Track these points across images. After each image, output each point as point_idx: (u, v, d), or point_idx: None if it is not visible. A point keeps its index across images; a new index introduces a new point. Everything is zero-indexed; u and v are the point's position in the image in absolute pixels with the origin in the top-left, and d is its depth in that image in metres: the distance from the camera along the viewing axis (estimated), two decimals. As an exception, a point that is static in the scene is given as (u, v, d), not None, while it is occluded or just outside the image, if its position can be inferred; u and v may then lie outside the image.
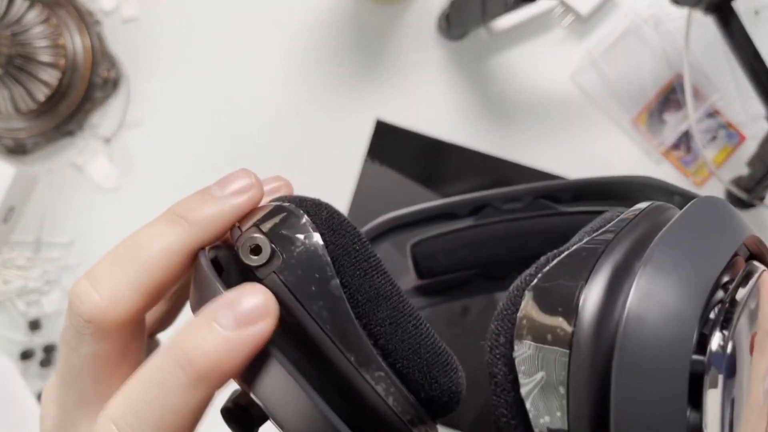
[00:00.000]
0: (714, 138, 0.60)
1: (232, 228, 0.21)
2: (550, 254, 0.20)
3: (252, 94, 0.61)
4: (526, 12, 0.57)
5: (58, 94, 0.57)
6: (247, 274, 0.19)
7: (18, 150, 0.59)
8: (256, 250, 0.19)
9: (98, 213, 0.60)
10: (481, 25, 0.58)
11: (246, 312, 0.18)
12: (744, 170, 0.56)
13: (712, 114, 0.60)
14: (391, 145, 0.58)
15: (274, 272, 0.19)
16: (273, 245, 0.19)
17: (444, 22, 0.59)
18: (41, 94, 0.56)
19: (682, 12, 0.54)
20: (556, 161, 0.59)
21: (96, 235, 0.60)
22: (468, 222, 0.34)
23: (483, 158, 0.57)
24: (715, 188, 0.60)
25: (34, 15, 0.56)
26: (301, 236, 0.19)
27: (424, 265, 0.35)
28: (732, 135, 0.60)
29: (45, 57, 0.56)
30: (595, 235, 0.20)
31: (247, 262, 0.19)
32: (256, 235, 0.19)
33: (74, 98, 0.58)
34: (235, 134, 0.60)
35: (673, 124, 0.60)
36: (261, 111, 0.60)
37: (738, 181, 0.58)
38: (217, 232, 0.21)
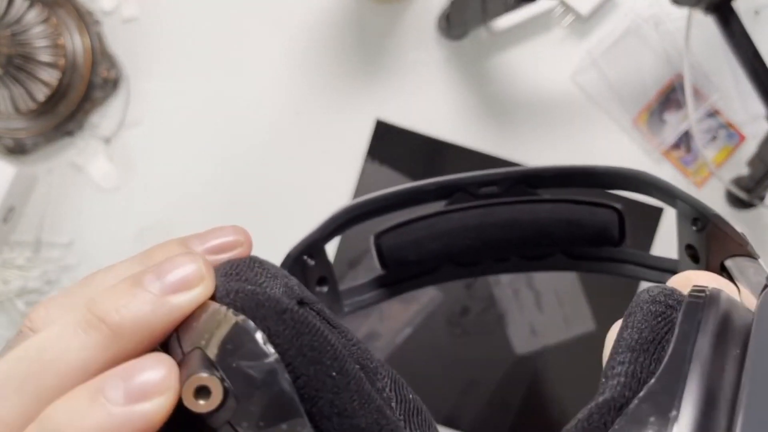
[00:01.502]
0: (714, 138, 0.60)
1: (169, 337, 0.16)
2: (602, 403, 0.16)
3: (252, 93, 0.61)
4: (526, 12, 0.57)
5: (57, 94, 0.57)
6: (192, 419, 0.15)
7: (18, 150, 0.59)
8: (202, 390, 0.15)
9: (98, 213, 0.60)
10: (481, 25, 0.58)
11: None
12: (744, 170, 0.56)
13: (713, 114, 0.60)
14: (391, 145, 0.58)
15: (229, 422, 0.14)
16: (225, 383, 0.15)
17: (444, 22, 0.59)
18: (41, 94, 0.56)
19: (683, 12, 0.54)
20: (556, 161, 0.59)
21: (96, 235, 0.60)
22: (438, 207, 0.31)
23: (483, 158, 0.57)
24: (715, 188, 0.60)
25: (34, 15, 0.56)
26: (262, 374, 0.15)
27: (390, 257, 0.32)
28: (732, 135, 0.60)
29: (45, 57, 0.56)
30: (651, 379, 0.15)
31: (191, 408, 0.15)
32: (202, 373, 0.15)
33: (74, 98, 0.58)
34: (235, 134, 0.60)
35: (674, 124, 0.60)
36: (261, 110, 0.60)
37: (738, 181, 0.58)
38: (146, 343, 0.16)
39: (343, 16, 0.61)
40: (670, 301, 0.17)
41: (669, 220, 0.58)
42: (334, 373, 0.16)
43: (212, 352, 0.15)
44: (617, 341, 0.17)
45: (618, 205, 0.30)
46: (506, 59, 0.61)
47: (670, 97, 0.60)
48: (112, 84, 0.59)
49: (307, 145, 0.60)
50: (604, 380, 0.16)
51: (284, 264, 0.30)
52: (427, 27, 0.61)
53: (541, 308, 0.54)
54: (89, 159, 0.60)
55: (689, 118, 0.56)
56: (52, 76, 0.56)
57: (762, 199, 0.56)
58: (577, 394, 0.55)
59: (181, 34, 0.61)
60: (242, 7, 0.61)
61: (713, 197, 0.60)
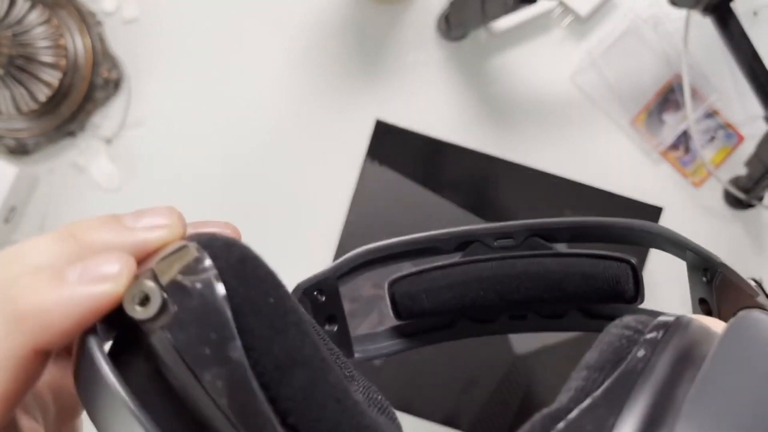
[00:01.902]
0: (712, 138, 0.60)
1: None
2: (546, 414, 0.16)
3: (252, 94, 0.61)
4: (525, 13, 0.58)
5: (59, 95, 0.57)
6: (134, 329, 0.16)
7: (19, 150, 0.59)
8: (144, 300, 0.16)
9: (99, 213, 0.60)
10: (480, 26, 0.58)
11: (95, 272, 0.16)
12: (742, 170, 0.56)
13: (711, 114, 0.60)
14: (391, 145, 0.58)
15: (162, 328, 0.15)
16: (165, 295, 0.16)
17: (443, 23, 0.59)
18: (42, 94, 0.56)
19: (681, 13, 0.54)
20: (555, 161, 0.59)
21: (97, 234, 0.60)
22: (454, 258, 0.31)
23: (483, 158, 0.57)
24: (713, 188, 0.60)
25: (35, 16, 0.57)
26: (199, 285, 0.16)
27: (404, 305, 0.32)
28: (730, 135, 0.60)
29: (46, 57, 0.57)
30: (605, 386, 0.15)
31: (130, 314, 0.16)
32: (146, 281, 0.16)
33: (75, 98, 0.58)
34: (236, 134, 0.61)
35: (672, 125, 0.60)
36: (261, 111, 0.61)
37: (736, 182, 0.58)
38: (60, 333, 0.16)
39: (343, 17, 0.61)
40: (639, 326, 0.17)
41: (669, 219, 0.58)
42: (271, 300, 0.17)
43: (160, 268, 0.16)
44: (581, 361, 0.17)
45: (632, 259, 0.30)
46: (506, 60, 0.61)
47: (668, 98, 0.60)
48: (113, 84, 0.60)
49: (307, 145, 0.60)
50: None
51: (293, 293, 0.29)
52: (426, 28, 0.61)
53: (540, 308, 0.55)
54: (90, 159, 0.60)
55: (688, 118, 0.56)
56: (53, 77, 0.57)
57: (760, 199, 0.57)
58: (577, 394, 0.55)
59: (182, 35, 0.61)
60: (242, 7, 0.61)
61: (711, 197, 0.60)
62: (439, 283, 0.31)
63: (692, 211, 0.60)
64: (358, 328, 0.55)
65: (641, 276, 0.30)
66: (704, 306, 0.27)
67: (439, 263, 0.31)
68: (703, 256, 0.26)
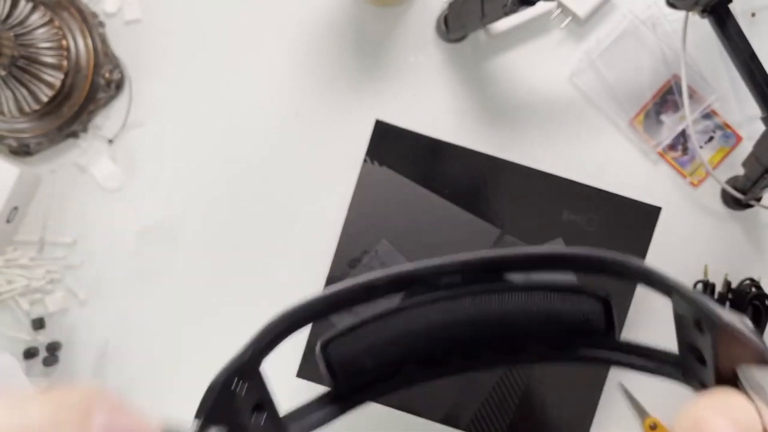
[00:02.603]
0: (711, 139, 0.60)
1: None
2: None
3: (253, 94, 0.61)
4: (524, 14, 0.58)
5: (61, 96, 0.57)
6: None
7: (21, 151, 0.60)
8: None
9: (101, 213, 0.60)
10: (480, 28, 0.59)
11: None
12: (740, 171, 0.56)
13: (709, 115, 0.60)
14: (391, 145, 0.58)
15: None
16: None
17: (443, 25, 0.59)
18: (44, 95, 0.57)
19: (680, 14, 0.54)
20: (554, 161, 0.59)
21: (99, 235, 0.60)
22: (395, 302, 0.26)
23: (482, 158, 0.58)
24: (711, 189, 0.60)
25: (37, 17, 0.57)
26: None
27: (341, 369, 0.27)
28: (728, 136, 0.60)
29: (48, 58, 0.57)
30: None
31: None
32: None
33: (77, 99, 0.58)
34: (237, 135, 0.61)
35: (671, 125, 0.60)
36: (261, 111, 0.61)
37: (734, 182, 0.58)
38: None
39: (343, 19, 0.61)
40: None
41: (667, 219, 0.58)
42: None
43: None
44: None
45: (603, 294, 0.26)
46: (505, 61, 0.61)
47: (667, 98, 0.60)
48: (115, 85, 0.60)
49: (307, 145, 0.61)
50: None
51: (206, 399, 0.24)
52: (426, 30, 0.61)
53: (539, 307, 0.55)
54: (92, 160, 0.60)
55: (686, 118, 0.56)
56: (55, 78, 0.57)
57: (758, 199, 0.57)
58: (576, 394, 0.55)
59: (184, 36, 0.61)
60: (243, 8, 0.62)
61: (709, 198, 0.61)
62: (383, 338, 0.27)
63: (690, 211, 0.60)
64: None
65: (614, 311, 0.26)
66: (695, 353, 0.23)
67: (379, 311, 0.27)
68: (695, 306, 0.21)
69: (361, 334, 0.27)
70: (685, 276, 0.60)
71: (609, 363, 0.27)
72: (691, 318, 0.22)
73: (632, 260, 0.23)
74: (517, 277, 0.25)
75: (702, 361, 0.22)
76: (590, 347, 0.27)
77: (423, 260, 0.25)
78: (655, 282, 0.23)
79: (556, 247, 0.25)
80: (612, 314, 0.26)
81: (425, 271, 0.25)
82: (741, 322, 0.20)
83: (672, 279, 0.22)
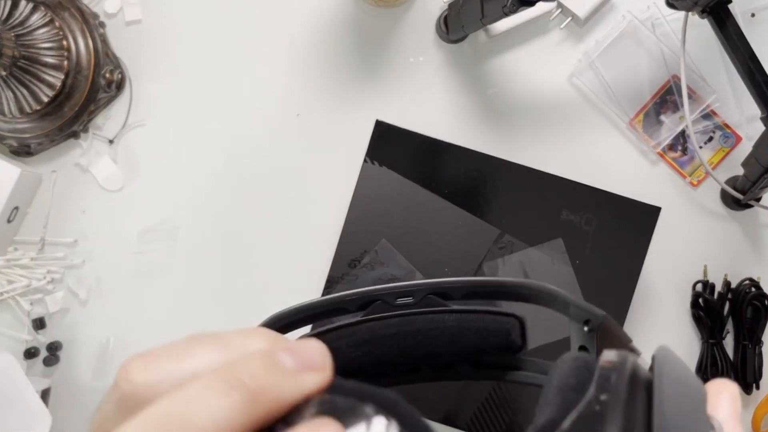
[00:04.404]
0: (710, 139, 0.61)
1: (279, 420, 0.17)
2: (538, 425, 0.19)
3: (253, 95, 0.61)
4: (524, 15, 0.58)
5: (61, 96, 0.57)
6: None
7: (22, 151, 0.60)
8: None
9: (102, 213, 0.61)
10: (479, 28, 0.59)
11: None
12: (740, 171, 0.57)
13: (709, 115, 0.60)
14: (391, 145, 0.58)
15: None
16: None
17: (443, 25, 0.59)
18: (45, 95, 0.57)
19: (679, 14, 0.54)
20: (553, 161, 0.59)
21: (100, 234, 0.60)
22: (357, 317, 0.32)
23: (481, 158, 0.58)
24: (710, 189, 0.60)
25: (37, 17, 0.57)
26: None
27: None
28: (728, 136, 0.60)
29: (49, 59, 0.57)
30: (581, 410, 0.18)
31: None
32: None
33: (78, 100, 0.58)
34: (237, 135, 0.61)
35: (670, 125, 0.60)
36: (262, 112, 0.61)
37: (734, 182, 0.58)
38: (274, 414, 0.16)
39: (344, 20, 0.62)
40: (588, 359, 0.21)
41: (667, 220, 0.58)
42: None
43: None
44: (548, 386, 0.21)
45: (519, 314, 0.33)
46: (504, 61, 0.61)
47: (666, 99, 0.60)
48: (115, 85, 0.60)
49: (307, 145, 0.61)
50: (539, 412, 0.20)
51: None
52: (425, 30, 0.61)
53: (538, 307, 0.55)
54: (93, 160, 0.61)
55: (685, 119, 0.56)
56: (56, 78, 0.57)
57: (758, 199, 0.57)
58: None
59: (184, 37, 0.61)
60: (244, 9, 0.62)
61: (709, 198, 0.61)
62: (347, 342, 0.31)
63: (690, 211, 0.60)
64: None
65: (527, 328, 0.33)
66: (583, 352, 0.29)
67: (343, 322, 0.32)
68: (587, 311, 0.28)
69: (330, 337, 0.31)
70: (685, 276, 0.60)
71: (521, 383, 0.34)
72: (582, 321, 0.28)
73: (546, 287, 0.30)
74: (457, 303, 0.32)
75: None
76: (505, 368, 0.34)
77: (383, 285, 0.32)
78: (559, 301, 0.29)
79: (492, 278, 0.32)
80: (525, 331, 0.33)
81: (385, 291, 0.31)
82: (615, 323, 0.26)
83: (570, 296, 0.29)
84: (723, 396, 0.21)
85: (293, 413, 0.16)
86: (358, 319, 0.32)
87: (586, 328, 0.29)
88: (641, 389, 0.18)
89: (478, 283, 0.32)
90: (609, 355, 0.20)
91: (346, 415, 0.16)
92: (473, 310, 0.32)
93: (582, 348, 0.29)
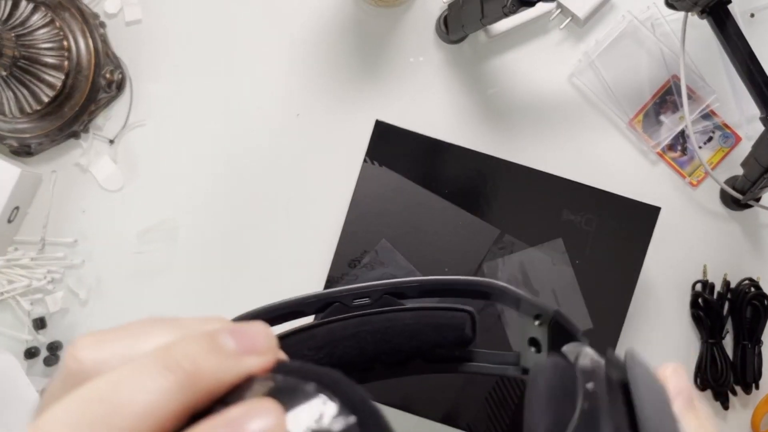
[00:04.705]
0: (710, 139, 0.61)
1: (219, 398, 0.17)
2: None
3: (253, 95, 0.61)
4: (523, 15, 0.58)
5: (62, 96, 0.58)
6: None
7: (23, 151, 0.60)
8: None
9: (102, 213, 0.61)
10: (479, 29, 0.59)
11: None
12: (739, 171, 0.57)
13: (708, 115, 0.60)
14: (391, 145, 0.58)
15: None
16: None
17: (442, 26, 0.59)
18: (45, 95, 0.57)
19: (679, 14, 0.54)
20: (553, 161, 0.59)
21: (100, 234, 0.60)
22: (316, 320, 0.33)
23: (481, 158, 0.58)
24: (710, 189, 0.61)
25: (38, 17, 0.57)
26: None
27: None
28: (727, 136, 0.61)
29: (49, 59, 0.57)
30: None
31: None
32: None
33: (78, 100, 0.59)
34: (237, 135, 0.61)
35: (670, 125, 0.60)
36: (262, 112, 0.61)
37: (733, 182, 0.58)
38: (212, 396, 0.16)
39: (344, 20, 0.62)
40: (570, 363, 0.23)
41: (667, 220, 0.58)
42: None
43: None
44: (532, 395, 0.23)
45: (470, 308, 0.34)
46: (504, 61, 0.61)
47: (666, 99, 0.60)
48: (115, 86, 0.60)
49: (307, 145, 0.61)
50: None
51: None
52: (425, 30, 0.61)
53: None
54: (93, 160, 0.61)
55: (685, 119, 0.56)
56: (56, 78, 0.57)
57: (757, 199, 0.57)
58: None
59: (184, 37, 0.62)
60: (244, 10, 0.62)
61: (708, 198, 0.61)
62: (308, 344, 0.32)
63: (689, 211, 0.60)
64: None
65: (477, 321, 0.34)
66: (533, 343, 0.31)
67: (303, 325, 0.32)
68: (538, 306, 0.30)
69: (290, 342, 0.32)
70: (685, 276, 0.60)
71: (473, 373, 0.36)
72: (533, 316, 0.30)
73: (496, 284, 0.32)
74: (410, 301, 0.33)
75: (539, 349, 0.31)
76: (457, 360, 0.36)
77: (339, 287, 0.33)
78: (510, 297, 0.31)
79: (444, 277, 0.33)
80: (475, 325, 0.34)
81: (343, 292, 0.32)
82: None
83: (521, 292, 0.31)
84: (670, 381, 0.23)
85: (233, 394, 0.16)
86: (318, 321, 0.33)
87: (536, 322, 0.30)
88: (618, 391, 0.20)
89: (431, 282, 0.33)
90: (584, 363, 0.21)
91: (286, 395, 0.15)
92: (427, 307, 0.33)
93: (532, 339, 0.31)
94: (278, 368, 0.17)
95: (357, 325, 0.32)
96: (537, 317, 0.30)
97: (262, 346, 0.17)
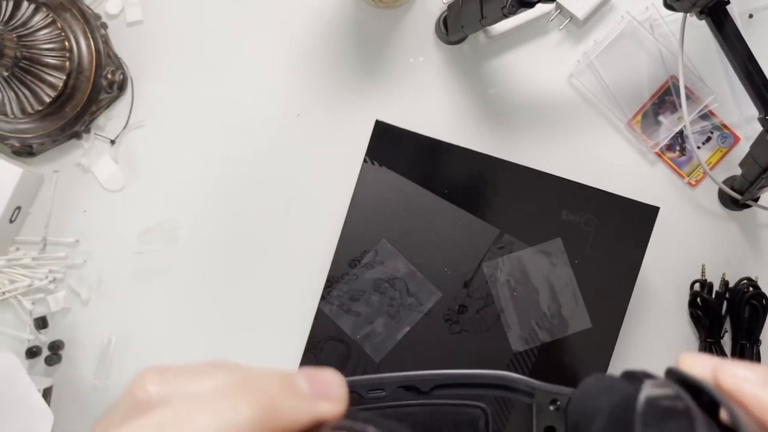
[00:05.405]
0: (708, 139, 0.61)
1: None
2: None
3: (253, 95, 0.61)
4: (523, 16, 0.58)
5: (63, 96, 0.58)
6: None
7: (24, 151, 0.60)
8: None
9: (103, 213, 0.61)
10: (479, 29, 0.59)
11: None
12: (738, 171, 0.57)
13: (707, 115, 0.61)
14: (391, 145, 0.58)
15: None
16: None
17: (442, 26, 0.60)
18: (47, 96, 0.57)
19: (678, 15, 0.54)
20: (552, 161, 0.59)
21: (101, 234, 0.61)
22: None
23: (481, 158, 0.58)
24: (709, 189, 0.61)
25: (39, 18, 0.57)
26: None
27: None
28: (726, 136, 0.61)
29: (50, 59, 0.57)
30: None
31: None
32: None
33: (79, 100, 0.59)
34: (237, 135, 0.61)
35: (668, 126, 0.60)
36: (262, 112, 0.61)
37: (732, 182, 0.58)
38: None
39: (344, 20, 0.62)
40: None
41: (665, 220, 0.59)
42: None
43: None
44: None
45: (483, 405, 0.34)
46: (504, 62, 0.61)
47: (664, 99, 0.61)
48: (117, 86, 0.60)
49: (307, 146, 0.61)
50: None
51: None
52: (425, 31, 0.61)
53: (538, 306, 0.55)
54: (95, 160, 0.61)
55: (684, 119, 0.56)
56: (57, 79, 0.57)
57: (756, 199, 0.57)
58: (574, 391, 0.56)
59: (185, 38, 0.62)
60: (244, 10, 0.62)
61: (707, 198, 0.61)
62: None
63: (688, 211, 0.61)
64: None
65: (490, 418, 0.35)
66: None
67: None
68: (553, 392, 0.29)
69: None
70: (683, 275, 0.60)
71: None
72: (548, 402, 0.30)
73: (510, 376, 0.31)
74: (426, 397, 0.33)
75: None
76: None
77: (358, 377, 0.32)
78: (524, 390, 0.31)
79: (458, 371, 0.33)
80: (489, 422, 0.34)
81: (360, 382, 0.32)
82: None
83: (534, 381, 0.30)
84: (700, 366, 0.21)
85: None
86: None
87: (552, 407, 0.30)
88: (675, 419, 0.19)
89: (446, 375, 0.33)
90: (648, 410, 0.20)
91: None
92: (440, 404, 0.33)
93: (549, 428, 0.31)
94: (348, 416, 0.17)
95: (374, 415, 0.33)
96: (553, 402, 0.30)
97: (336, 394, 0.17)
